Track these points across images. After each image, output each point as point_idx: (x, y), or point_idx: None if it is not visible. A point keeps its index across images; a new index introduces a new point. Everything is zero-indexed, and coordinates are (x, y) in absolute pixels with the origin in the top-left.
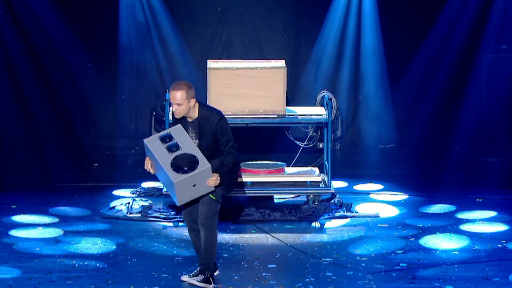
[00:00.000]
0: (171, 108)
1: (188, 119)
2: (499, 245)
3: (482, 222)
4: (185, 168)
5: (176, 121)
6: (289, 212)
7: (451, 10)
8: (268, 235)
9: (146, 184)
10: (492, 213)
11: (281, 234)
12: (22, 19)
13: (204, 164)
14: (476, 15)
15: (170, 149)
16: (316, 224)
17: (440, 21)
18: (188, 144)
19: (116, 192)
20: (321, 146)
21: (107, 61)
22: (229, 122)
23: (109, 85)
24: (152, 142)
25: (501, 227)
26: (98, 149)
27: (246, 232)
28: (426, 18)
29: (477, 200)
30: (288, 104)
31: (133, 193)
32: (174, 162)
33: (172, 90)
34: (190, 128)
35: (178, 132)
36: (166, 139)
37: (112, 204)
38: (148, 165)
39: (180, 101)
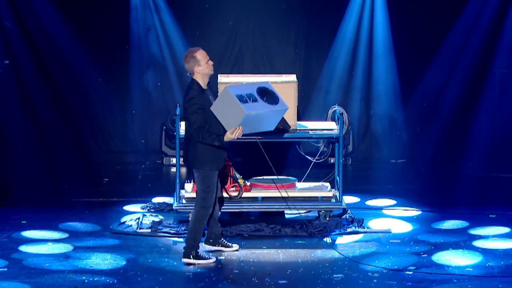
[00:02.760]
0: (181, 123)
1: (204, 87)
2: None
3: (495, 238)
4: (276, 98)
5: (200, 92)
6: (300, 228)
7: (464, 24)
8: (279, 251)
9: (156, 200)
10: (505, 229)
11: (292, 250)
12: (32, 34)
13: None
14: (489, 29)
15: (254, 99)
16: (327, 239)
17: (452, 36)
18: (250, 85)
19: (126, 208)
20: (332, 161)
21: (118, 76)
22: (240, 138)
23: (119, 100)
24: (249, 106)
25: None
26: (108, 164)
27: (257, 248)
28: (439, 33)
29: (490, 216)
30: (299, 119)
31: (143, 209)
32: (268, 102)
33: (202, 50)
34: (210, 96)
35: (234, 89)
36: (242, 99)
37: (122, 220)
38: (240, 132)
39: None
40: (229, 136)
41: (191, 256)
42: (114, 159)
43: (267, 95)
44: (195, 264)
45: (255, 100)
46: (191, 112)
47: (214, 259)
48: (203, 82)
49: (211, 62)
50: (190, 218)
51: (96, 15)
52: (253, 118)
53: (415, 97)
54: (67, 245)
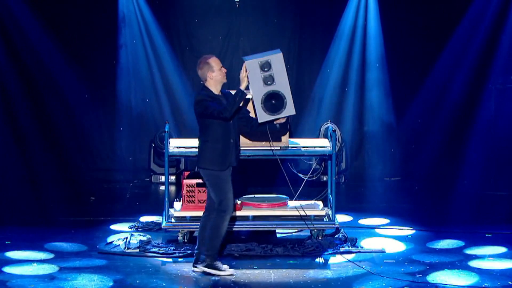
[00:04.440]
0: (170, 140)
1: (217, 94)
2: (510, 282)
3: (491, 258)
4: (274, 109)
5: (210, 96)
6: (292, 247)
7: (458, 41)
8: (271, 271)
9: (145, 218)
10: (502, 249)
11: (283, 270)
12: (19, 51)
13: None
14: (484, 45)
15: (267, 81)
16: (320, 259)
17: (446, 52)
18: (284, 80)
19: (113, 227)
20: (325, 179)
21: (105, 92)
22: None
23: (106, 116)
24: (255, 73)
25: (511, 264)
26: (95, 182)
27: (248, 268)
28: (433, 50)
29: (487, 235)
30: (291, 136)
31: (131, 228)
32: (265, 99)
33: (215, 57)
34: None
35: (278, 60)
36: (264, 67)
37: (109, 239)
38: (243, 70)
39: None
40: (242, 79)
41: (210, 265)
42: (101, 177)
43: (276, 99)
44: (213, 274)
45: (266, 83)
46: (204, 107)
47: (231, 271)
48: (215, 89)
49: (224, 70)
50: (201, 226)
51: (83, 31)
52: (250, 75)
53: (409, 114)
54: (52, 266)
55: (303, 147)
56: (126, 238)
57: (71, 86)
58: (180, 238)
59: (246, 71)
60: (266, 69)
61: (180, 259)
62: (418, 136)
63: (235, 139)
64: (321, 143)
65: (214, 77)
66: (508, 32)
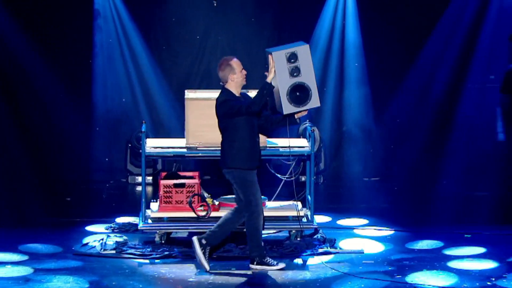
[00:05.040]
0: (147, 140)
1: (238, 95)
2: (488, 283)
3: (470, 258)
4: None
5: (232, 97)
6: (270, 248)
7: (438, 40)
8: (249, 272)
9: (121, 219)
10: (481, 250)
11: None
12: None
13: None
14: (463, 45)
15: (292, 72)
16: (298, 260)
17: (426, 51)
18: (310, 73)
19: (89, 228)
20: (303, 179)
21: (81, 92)
22: (207, 154)
23: (82, 116)
24: (278, 57)
25: (490, 264)
26: (71, 183)
27: (226, 269)
28: (412, 49)
29: (466, 236)
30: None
31: (107, 229)
32: (291, 90)
33: (237, 59)
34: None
35: (304, 52)
36: (290, 59)
37: (85, 240)
38: (271, 66)
39: None
40: (269, 71)
41: (260, 262)
42: (77, 178)
43: (301, 91)
44: (263, 269)
45: (292, 74)
46: (229, 107)
47: (282, 265)
48: (236, 91)
49: (244, 72)
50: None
51: (58, 30)
52: (276, 66)
53: (388, 113)
54: (27, 268)
55: (281, 147)
56: (102, 239)
57: (46, 85)
58: (157, 239)
59: (273, 61)
60: (292, 60)
61: (157, 261)
62: (397, 136)
63: (259, 137)
64: (300, 143)
65: (235, 79)
66: (487, 31)
